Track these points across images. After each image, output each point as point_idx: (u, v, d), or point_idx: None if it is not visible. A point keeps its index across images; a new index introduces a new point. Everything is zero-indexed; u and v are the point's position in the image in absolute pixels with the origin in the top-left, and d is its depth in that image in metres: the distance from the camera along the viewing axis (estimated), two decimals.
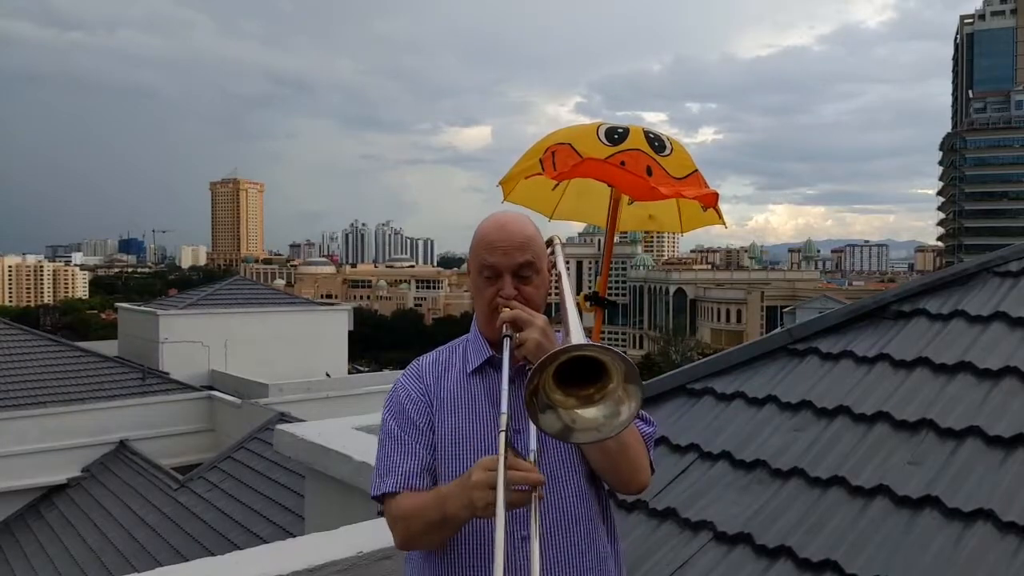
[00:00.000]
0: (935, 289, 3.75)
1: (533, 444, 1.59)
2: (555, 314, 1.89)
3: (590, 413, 1.50)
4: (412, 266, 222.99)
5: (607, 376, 1.49)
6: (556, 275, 1.95)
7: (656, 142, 3.82)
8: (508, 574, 1.48)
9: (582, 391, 1.51)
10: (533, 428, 1.58)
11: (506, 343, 1.71)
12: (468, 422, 1.76)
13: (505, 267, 1.77)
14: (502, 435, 1.54)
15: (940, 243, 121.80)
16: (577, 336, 1.59)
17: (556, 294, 1.92)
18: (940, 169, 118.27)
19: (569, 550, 1.72)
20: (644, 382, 3.99)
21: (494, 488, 1.47)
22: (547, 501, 1.62)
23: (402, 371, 1.91)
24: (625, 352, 1.75)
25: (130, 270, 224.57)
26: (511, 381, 1.67)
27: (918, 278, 4.37)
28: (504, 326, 1.72)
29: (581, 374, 1.50)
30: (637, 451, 1.75)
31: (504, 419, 1.57)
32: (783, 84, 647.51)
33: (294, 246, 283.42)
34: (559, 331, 1.78)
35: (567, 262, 2.14)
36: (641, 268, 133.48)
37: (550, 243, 2.08)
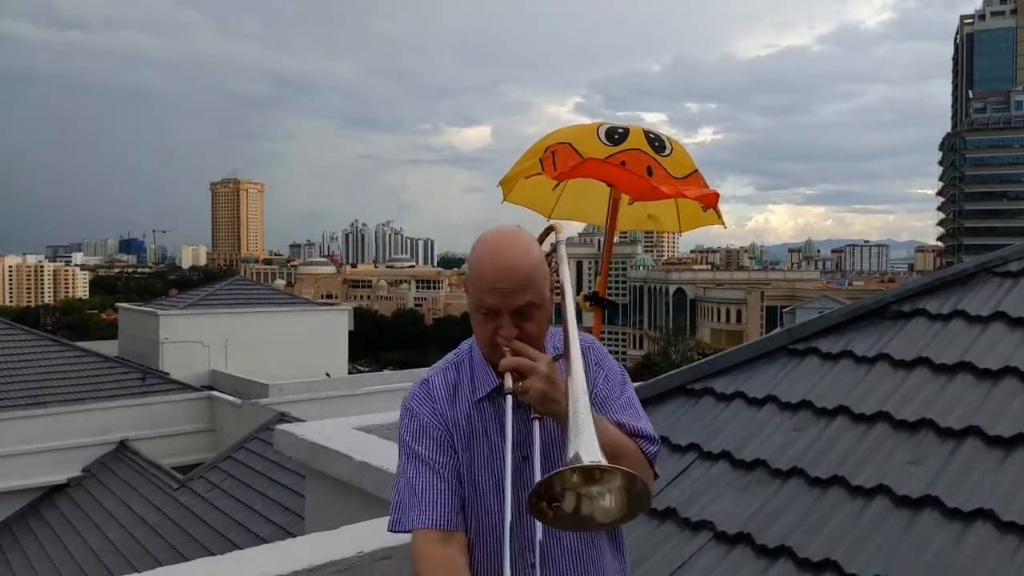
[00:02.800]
0: (935, 289, 3.75)
1: (537, 469, 1.60)
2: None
3: (593, 486, 1.47)
4: (412, 266, 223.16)
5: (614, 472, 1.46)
6: (558, 283, 1.89)
7: (656, 142, 3.83)
8: None
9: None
10: (538, 455, 1.61)
11: (508, 401, 1.65)
12: (480, 452, 1.76)
13: (505, 309, 1.69)
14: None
15: (940, 243, 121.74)
16: (584, 419, 1.52)
17: (557, 293, 1.87)
18: (940, 169, 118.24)
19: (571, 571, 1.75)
20: (644, 382, 3.97)
21: None
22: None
23: (410, 392, 1.85)
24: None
25: (130, 270, 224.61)
26: (516, 406, 1.66)
27: (918, 278, 4.37)
28: (506, 375, 1.67)
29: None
30: (642, 475, 1.76)
31: (508, 486, 1.58)
32: (783, 84, 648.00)
33: (294, 246, 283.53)
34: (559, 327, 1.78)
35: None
36: (641, 268, 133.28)
37: (549, 230, 2.04)
